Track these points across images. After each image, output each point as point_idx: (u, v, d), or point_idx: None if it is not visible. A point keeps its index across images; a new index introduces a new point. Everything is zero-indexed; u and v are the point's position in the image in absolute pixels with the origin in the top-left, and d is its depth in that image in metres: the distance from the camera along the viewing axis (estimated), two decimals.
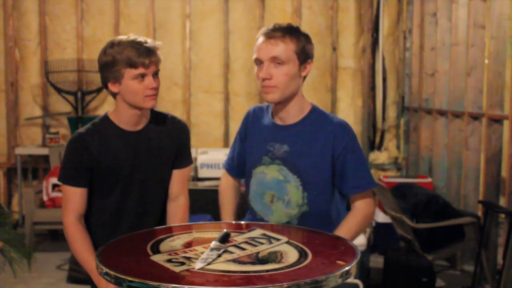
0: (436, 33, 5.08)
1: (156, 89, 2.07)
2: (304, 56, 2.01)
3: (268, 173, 2.09)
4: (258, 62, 2.02)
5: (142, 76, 2.04)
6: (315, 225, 1.99)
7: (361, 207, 2.06)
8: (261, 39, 2.01)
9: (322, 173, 2.04)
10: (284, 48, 1.97)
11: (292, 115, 2.07)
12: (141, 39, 2.06)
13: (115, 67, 2.03)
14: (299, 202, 2.05)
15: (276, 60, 1.97)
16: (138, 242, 1.76)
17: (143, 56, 2.02)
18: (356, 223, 2.04)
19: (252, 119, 2.20)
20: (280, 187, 2.07)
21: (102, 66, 2.07)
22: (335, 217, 2.11)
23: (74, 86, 5.66)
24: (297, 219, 2.06)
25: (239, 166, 2.27)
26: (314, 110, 2.11)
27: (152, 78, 2.06)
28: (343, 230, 2.00)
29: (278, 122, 2.10)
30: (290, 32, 2.00)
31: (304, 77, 2.07)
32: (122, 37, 2.07)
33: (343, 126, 2.06)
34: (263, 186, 2.10)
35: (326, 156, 2.03)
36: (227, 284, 1.43)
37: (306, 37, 2.03)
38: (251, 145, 2.17)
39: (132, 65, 2.01)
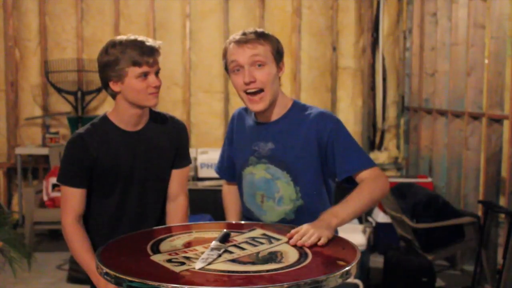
0: (436, 33, 5.08)
1: (159, 87, 2.09)
2: (279, 56, 2.04)
3: (256, 173, 2.09)
4: (236, 68, 2.00)
5: (145, 74, 2.05)
6: (313, 218, 1.98)
7: (370, 177, 1.96)
8: (233, 45, 2.01)
9: (310, 164, 2.03)
10: (262, 49, 1.99)
11: (274, 113, 2.08)
12: (142, 38, 2.08)
13: (118, 66, 2.04)
14: (292, 197, 2.05)
15: (256, 62, 1.98)
16: (138, 242, 1.76)
17: (147, 55, 2.03)
18: (368, 190, 1.92)
19: (237, 121, 2.21)
20: (268, 186, 2.07)
21: (104, 66, 2.07)
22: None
23: (74, 86, 5.66)
24: (294, 214, 2.06)
25: (229, 169, 2.27)
26: (295, 104, 2.11)
27: (155, 77, 2.07)
28: (354, 195, 1.91)
29: (261, 120, 2.11)
30: (262, 35, 2.02)
31: (279, 78, 2.08)
32: (122, 37, 2.08)
33: (324, 115, 2.04)
34: (253, 187, 2.11)
35: (311, 147, 2.02)
36: (227, 284, 1.43)
37: (277, 39, 2.06)
38: (238, 147, 2.18)
39: (137, 63, 2.03)
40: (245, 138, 2.14)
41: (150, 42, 2.08)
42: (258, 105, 2.01)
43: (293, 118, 2.07)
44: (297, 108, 2.09)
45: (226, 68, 2.06)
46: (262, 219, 2.09)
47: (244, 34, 2.01)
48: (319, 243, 1.70)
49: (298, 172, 2.03)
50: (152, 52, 2.05)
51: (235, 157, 2.20)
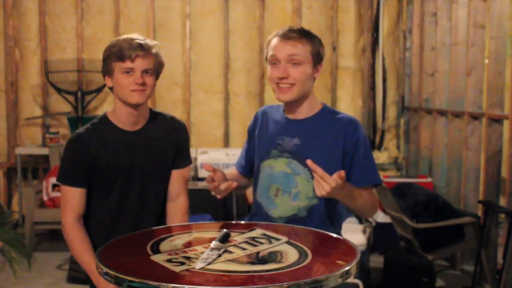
0: (436, 33, 5.08)
1: (142, 85, 2.07)
2: (318, 58, 2.09)
3: (276, 166, 2.12)
4: (273, 61, 2.07)
5: (131, 71, 2.05)
6: (324, 218, 2.06)
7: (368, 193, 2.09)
8: (276, 39, 2.08)
9: (333, 166, 2.05)
10: (301, 49, 2.05)
11: (303, 112, 2.13)
12: (136, 36, 2.08)
13: (108, 60, 2.08)
14: (309, 195, 2.07)
15: (293, 60, 2.04)
16: (138, 242, 1.76)
17: (132, 50, 2.04)
18: (364, 196, 2.03)
19: (262, 117, 2.24)
20: (287, 180, 2.09)
21: (102, 61, 2.12)
22: (341, 212, 2.15)
23: (74, 86, 5.66)
24: (307, 211, 2.08)
25: (246, 165, 2.30)
26: (325, 107, 2.17)
27: (140, 74, 2.06)
28: (366, 196, 2.03)
29: (290, 116, 2.15)
30: (306, 34, 2.08)
31: (314, 79, 2.13)
32: (124, 35, 2.10)
33: (355, 122, 2.11)
34: (270, 179, 2.13)
35: (337, 150, 2.07)
36: (227, 284, 1.43)
37: (319, 41, 2.12)
38: (261, 140, 2.21)
39: (121, 58, 2.05)
40: (270, 132, 2.17)
41: (141, 40, 2.07)
42: (285, 95, 2.06)
43: (322, 119, 2.12)
44: (327, 111, 2.15)
45: (266, 58, 2.12)
46: (270, 213, 2.11)
47: (290, 30, 2.07)
48: (317, 191, 1.82)
49: None
50: (139, 48, 2.05)
51: (256, 150, 2.22)
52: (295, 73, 2.04)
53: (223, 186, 1.97)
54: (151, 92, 2.12)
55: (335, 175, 1.81)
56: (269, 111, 2.24)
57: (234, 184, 1.99)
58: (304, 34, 2.07)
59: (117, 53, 2.05)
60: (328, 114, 2.14)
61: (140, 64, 2.06)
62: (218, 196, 2.01)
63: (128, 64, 2.05)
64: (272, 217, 2.10)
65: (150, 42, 2.10)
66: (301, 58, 2.04)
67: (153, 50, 2.10)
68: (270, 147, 2.14)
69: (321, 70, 2.12)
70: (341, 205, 2.13)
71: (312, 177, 2.03)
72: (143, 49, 2.06)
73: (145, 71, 2.07)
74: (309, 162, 1.82)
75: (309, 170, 2.04)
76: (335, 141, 2.06)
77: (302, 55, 2.04)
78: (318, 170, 1.81)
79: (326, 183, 1.81)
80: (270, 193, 2.12)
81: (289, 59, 2.04)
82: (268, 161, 2.13)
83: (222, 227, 1.90)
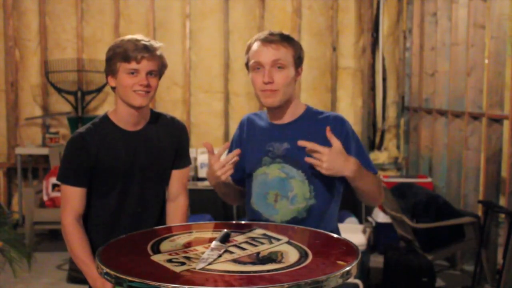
0: (436, 33, 5.08)
1: (147, 86, 2.07)
2: (299, 61, 2.09)
3: (270, 173, 2.10)
4: (257, 66, 2.05)
5: (134, 72, 2.05)
6: (322, 216, 2.06)
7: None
8: (258, 44, 2.05)
9: None
10: (285, 52, 2.03)
11: (288, 115, 2.12)
12: (142, 37, 2.08)
13: (112, 61, 2.08)
14: (306, 196, 2.07)
15: (277, 64, 2.02)
16: (138, 242, 1.76)
17: (137, 51, 2.04)
18: (372, 177, 2.03)
19: (247, 126, 2.22)
20: (283, 185, 2.08)
21: (105, 61, 2.11)
22: (336, 210, 2.15)
23: (74, 86, 5.66)
24: (306, 212, 2.07)
25: (235, 173, 2.26)
26: (309, 109, 2.16)
27: (145, 76, 2.06)
28: (372, 176, 2.04)
29: (275, 121, 2.13)
30: (287, 38, 2.07)
31: (296, 81, 2.12)
32: (128, 36, 2.10)
33: (340, 118, 2.12)
34: (265, 187, 2.11)
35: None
36: (227, 284, 1.43)
37: (299, 44, 2.12)
38: (249, 149, 2.18)
39: (126, 59, 2.04)
40: (257, 140, 2.15)
41: (146, 41, 2.07)
42: (270, 99, 2.04)
43: (308, 120, 2.11)
44: (311, 112, 2.14)
45: (247, 64, 2.11)
46: (273, 219, 2.09)
47: (270, 34, 2.05)
48: (319, 168, 1.88)
49: (313, 171, 2.05)
50: (144, 49, 2.05)
51: (245, 159, 2.18)
52: (280, 78, 2.02)
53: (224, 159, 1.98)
54: (154, 94, 2.13)
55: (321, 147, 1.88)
56: (254, 118, 2.21)
57: (238, 150, 1.99)
58: (285, 38, 2.05)
59: (122, 54, 2.04)
60: (312, 114, 2.13)
61: (145, 65, 2.06)
62: (230, 172, 1.99)
63: (133, 65, 2.04)
64: (274, 222, 2.09)
65: (155, 43, 2.10)
66: (285, 62, 2.02)
67: (158, 52, 2.10)
68: (261, 155, 2.12)
69: (301, 72, 2.12)
70: (338, 203, 2.14)
71: (307, 178, 2.06)
72: (149, 50, 2.06)
73: (149, 73, 2.07)
74: (300, 142, 1.88)
75: (303, 171, 2.05)
76: (324, 140, 2.01)
77: (286, 59, 2.02)
78: (308, 144, 1.88)
79: (319, 154, 1.86)
80: (269, 200, 2.10)
81: (274, 64, 2.01)
82: (261, 169, 2.11)
83: (222, 227, 1.90)
